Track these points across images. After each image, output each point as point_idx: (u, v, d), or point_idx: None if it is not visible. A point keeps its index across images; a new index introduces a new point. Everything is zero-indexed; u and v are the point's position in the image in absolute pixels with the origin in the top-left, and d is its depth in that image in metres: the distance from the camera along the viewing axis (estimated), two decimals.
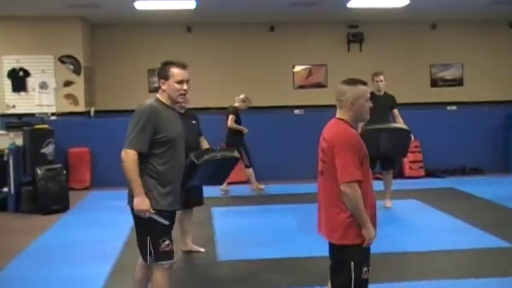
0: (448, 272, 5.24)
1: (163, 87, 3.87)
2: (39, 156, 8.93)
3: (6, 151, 8.57)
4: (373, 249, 3.40)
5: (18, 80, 11.23)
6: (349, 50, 12.72)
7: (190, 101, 5.64)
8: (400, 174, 10.48)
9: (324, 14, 11.66)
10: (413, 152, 10.42)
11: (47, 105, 11.28)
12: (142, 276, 4.07)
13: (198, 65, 10.48)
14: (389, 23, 12.51)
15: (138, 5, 9.97)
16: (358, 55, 12.62)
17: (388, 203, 7.95)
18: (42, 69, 11.29)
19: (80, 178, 10.26)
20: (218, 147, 5.69)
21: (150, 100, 3.87)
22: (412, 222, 7.40)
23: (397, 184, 8.99)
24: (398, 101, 8.11)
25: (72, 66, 11.31)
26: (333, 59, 12.61)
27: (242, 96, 9.45)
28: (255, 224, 7.36)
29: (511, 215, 7.64)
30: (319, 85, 12.74)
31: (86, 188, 10.17)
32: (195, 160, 4.99)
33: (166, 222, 3.77)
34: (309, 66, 12.80)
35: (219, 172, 5.57)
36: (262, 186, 9.58)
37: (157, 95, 3.91)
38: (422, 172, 10.83)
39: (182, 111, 5.42)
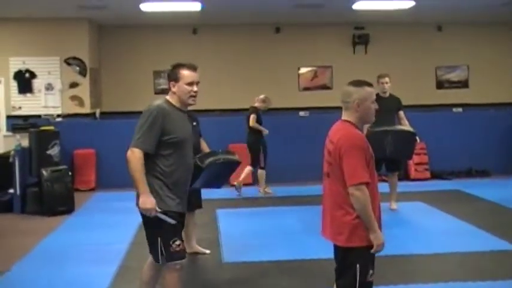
0: (455, 275, 5.22)
1: (174, 89, 3.86)
2: (45, 157, 8.95)
3: (12, 152, 8.62)
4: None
5: (24, 81, 11.27)
6: (354, 51, 12.72)
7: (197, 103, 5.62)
8: (405, 177, 10.44)
9: (330, 16, 11.66)
10: (419, 154, 10.38)
11: (53, 107, 11.31)
12: (150, 278, 4.04)
13: (204, 66, 10.43)
14: (395, 25, 12.50)
15: (144, 7, 9.99)
16: (364, 57, 12.61)
17: (394, 205, 7.93)
18: (48, 70, 11.33)
19: (86, 179, 10.27)
20: (220, 150, 5.68)
21: (159, 101, 3.86)
22: (418, 225, 7.37)
23: (403, 186, 8.97)
24: (404, 102, 8.09)
25: (78, 68, 11.34)
26: (339, 60, 12.61)
27: (262, 96, 9.38)
28: (260, 225, 7.34)
29: None
30: (325, 87, 12.74)
31: (92, 190, 10.17)
32: (200, 163, 4.98)
33: (173, 222, 3.75)
34: (314, 68, 12.80)
35: (220, 175, 5.56)
36: (270, 190, 9.50)
37: (167, 97, 3.91)
38: (428, 174, 10.78)
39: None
